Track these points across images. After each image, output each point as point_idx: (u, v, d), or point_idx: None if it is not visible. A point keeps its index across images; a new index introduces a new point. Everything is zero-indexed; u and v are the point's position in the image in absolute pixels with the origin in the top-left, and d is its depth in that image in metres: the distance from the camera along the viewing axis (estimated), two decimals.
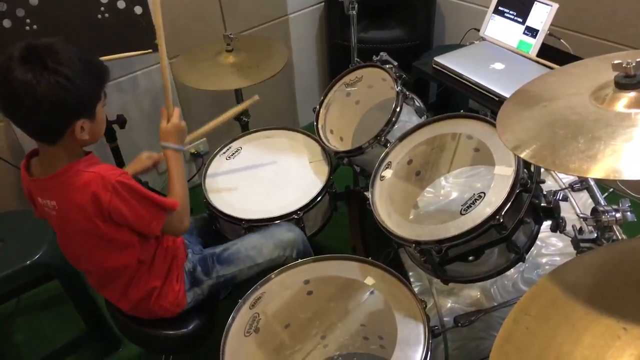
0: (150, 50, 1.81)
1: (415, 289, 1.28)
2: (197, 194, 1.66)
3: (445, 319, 1.28)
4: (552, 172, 1.46)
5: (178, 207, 1.27)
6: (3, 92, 1.06)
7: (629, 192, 1.89)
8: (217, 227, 1.63)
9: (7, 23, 1.61)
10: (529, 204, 1.08)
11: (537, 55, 1.84)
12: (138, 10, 1.75)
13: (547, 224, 1.15)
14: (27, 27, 1.64)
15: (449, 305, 1.31)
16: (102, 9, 1.71)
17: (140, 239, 1.26)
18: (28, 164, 1.23)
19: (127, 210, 1.16)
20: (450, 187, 1.39)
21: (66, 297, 1.74)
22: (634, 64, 0.79)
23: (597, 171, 0.73)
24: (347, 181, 2.05)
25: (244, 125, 2.15)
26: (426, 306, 1.17)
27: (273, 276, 1.32)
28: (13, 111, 1.08)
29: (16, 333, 1.99)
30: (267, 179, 1.66)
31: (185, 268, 1.42)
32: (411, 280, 1.34)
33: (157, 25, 1.41)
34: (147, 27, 1.77)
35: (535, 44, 1.85)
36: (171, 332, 1.39)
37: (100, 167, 1.16)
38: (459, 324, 1.21)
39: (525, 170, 1.07)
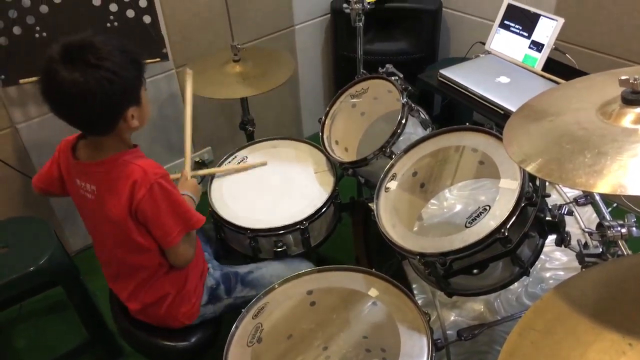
0: (158, 59, 1.83)
1: (419, 302, 1.28)
2: (202, 203, 1.67)
3: (448, 332, 1.28)
4: (557, 186, 1.46)
5: (201, 224, 1.28)
6: (53, 94, 1.08)
7: (633, 207, 1.88)
8: (222, 236, 1.64)
9: (17, 30, 1.63)
10: (534, 217, 1.08)
11: (543, 70, 1.85)
12: (147, 19, 1.77)
13: (551, 238, 1.15)
14: (37, 35, 1.66)
15: (452, 318, 1.30)
16: (112, 17, 1.73)
17: (158, 245, 1.27)
18: (75, 146, 1.26)
19: (152, 213, 1.18)
20: (454, 199, 1.39)
21: (69, 304, 1.74)
22: None
23: (603, 186, 0.74)
24: (351, 192, 2.05)
25: (249, 135, 2.16)
26: (430, 319, 1.17)
27: (276, 286, 1.31)
28: (65, 111, 1.11)
29: (18, 339, 1.98)
30: (272, 188, 1.67)
31: (207, 283, 1.42)
32: (415, 292, 1.33)
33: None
34: (156, 36, 1.79)
35: (540, 58, 1.86)
36: (172, 344, 1.39)
37: (145, 162, 1.19)
38: (463, 338, 1.20)
39: (530, 184, 1.07)
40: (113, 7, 1.72)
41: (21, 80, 1.69)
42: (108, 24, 1.73)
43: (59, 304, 2.06)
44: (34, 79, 1.70)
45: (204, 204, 1.65)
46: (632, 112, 0.81)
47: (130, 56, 1.13)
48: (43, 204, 2.10)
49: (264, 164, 1.72)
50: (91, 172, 1.21)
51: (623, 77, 0.82)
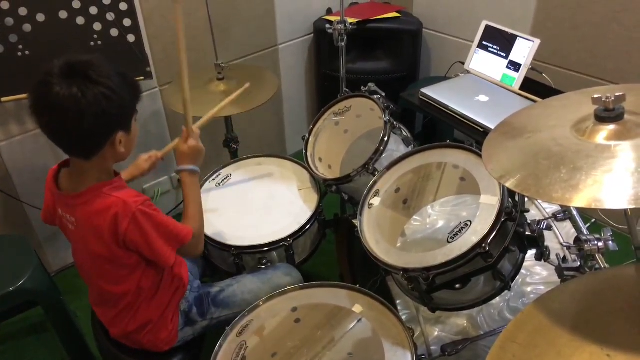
0: (142, 78, 1.83)
1: (403, 317, 1.29)
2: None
3: (432, 347, 1.28)
4: (536, 202, 1.49)
5: (192, 236, 1.27)
6: (44, 108, 1.07)
7: (610, 222, 1.92)
8: (206, 253, 1.63)
9: None
10: (514, 232, 1.10)
11: (520, 89, 1.90)
12: (131, 38, 1.78)
13: (531, 253, 1.17)
14: (20, 53, 1.65)
15: (436, 333, 1.31)
16: (95, 36, 1.74)
17: (147, 262, 1.26)
18: (57, 174, 1.24)
19: (142, 240, 1.17)
20: (436, 215, 1.41)
21: (49, 325, 1.71)
22: (613, 98, 0.83)
23: (579, 200, 0.76)
24: (335, 209, 2.07)
25: (233, 152, 2.17)
26: (414, 334, 1.17)
27: (261, 303, 1.31)
28: (55, 126, 1.09)
29: None
30: (256, 206, 1.67)
31: (180, 307, 1.40)
32: (399, 308, 1.34)
33: (179, 48, 1.38)
34: (140, 55, 1.80)
35: (518, 77, 1.90)
36: None
37: (124, 193, 1.17)
38: (446, 353, 1.21)
39: (510, 199, 1.09)
40: (97, 26, 1.72)
41: (3, 99, 1.68)
42: (92, 43, 1.74)
43: (39, 325, 2.02)
44: (17, 97, 1.68)
45: None
46: (605, 129, 0.84)
47: (127, 81, 1.14)
48: (23, 222, 2.07)
49: (247, 87, 1.66)
50: (71, 204, 1.19)
51: (596, 96, 0.85)
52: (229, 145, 2.15)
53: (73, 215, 1.20)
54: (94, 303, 1.38)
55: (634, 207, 0.73)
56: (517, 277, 1.21)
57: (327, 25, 1.92)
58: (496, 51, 1.97)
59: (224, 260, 1.58)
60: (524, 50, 1.88)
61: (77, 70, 1.05)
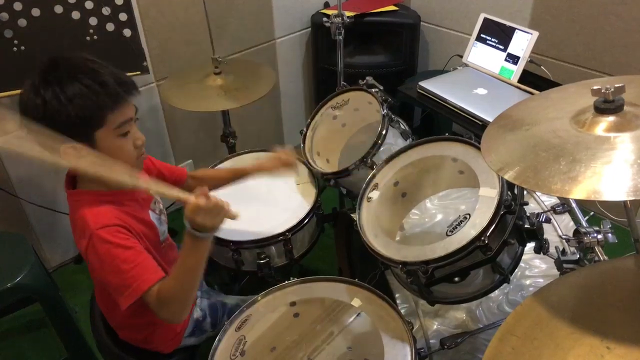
0: (138, 72, 1.82)
1: (402, 311, 1.28)
2: (183, 216, 1.65)
3: (431, 341, 1.28)
4: (535, 195, 1.49)
5: (148, 289, 1.06)
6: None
7: (609, 214, 1.92)
8: None
9: None
10: (513, 225, 1.10)
11: (518, 81, 1.89)
12: (127, 33, 1.77)
13: (530, 246, 1.17)
14: (15, 48, 1.64)
15: (435, 327, 1.31)
16: (91, 31, 1.72)
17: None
18: None
19: (97, 267, 1.08)
20: (435, 208, 1.41)
21: (47, 321, 1.71)
22: (612, 90, 0.82)
23: (578, 192, 0.75)
24: (334, 203, 2.06)
25: (230, 147, 2.16)
26: (413, 328, 1.17)
27: (259, 298, 1.31)
28: None
29: None
30: (254, 200, 1.66)
31: (193, 314, 1.38)
32: (398, 301, 1.34)
33: None
34: (136, 49, 1.79)
35: (516, 70, 1.90)
36: None
37: (93, 211, 1.08)
38: (445, 346, 1.21)
39: (509, 192, 1.09)
40: (93, 21, 1.71)
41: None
42: (87, 38, 1.72)
43: (37, 321, 2.01)
44: (12, 92, 1.67)
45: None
46: (605, 121, 0.84)
47: (90, 98, 1.03)
48: (20, 218, 2.06)
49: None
50: (68, 199, 1.16)
51: (595, 87, 0.84)
52: (226, 139, 2.14)
53: (68, 212, 1.18)
54: (97, 295, 1.36)
55: (633, 198, 0.73)
56: (516, 270, 1.21)
57: (325, 19, 1.92)
58: (494, 44, 1.97)
59: (222, 256, 1.57)
60: (522, 42, 1.88)
61: (40, 73, 1.03)
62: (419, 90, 1.96)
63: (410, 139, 1.59)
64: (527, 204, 1.18)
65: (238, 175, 1.51)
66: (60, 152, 1.03)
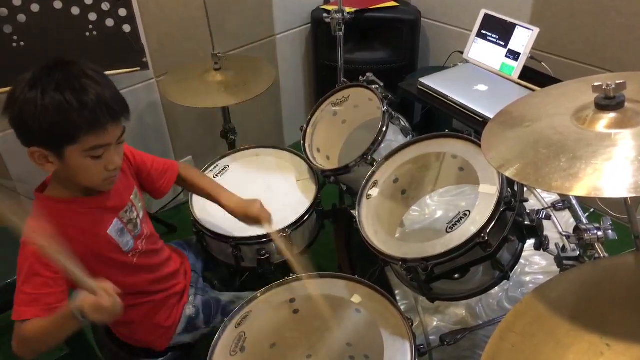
0: (138, 68, 1.82)
1: (402, 307, 1.29)
2: (184, 212, 1.66)
3: (431, 337, 1.28)
4: (535, 191, 1.48)
5: (24, 328, 1.05)
6: None
7: (609, 211, 1.92)
8: (205, 245, 1.63)
9: None
10: (513, 222, 1.10)
11: (519, 78, 1.89)
12: (127, 28, 1.76)
13: (530, 242, 1.17)
14: (14, 44, 1.64)
15: (434, 323, 1.31)
16: (91, 26, 1.72)
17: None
18: None
19: (17, 268, 1.09)
20: (435, 205, 1.41)
21: None
22: (613, 86, 0.82)
23: (579, 189, 0.75)
24: (333, 199, 2.06)
25: (230, 144, 2.16)
26: (412, 324, 1.17)
27: (259, 295, 1.31)
28: None
29: None
30: (254, 197, 1.66)
31: (186, 312, 1.38)
32: (397, 298, 1.34)
33: None
34: (136, 45, 1.78)
35: (517, 66, 1.89)
36: None
37: (36, 220, 1.05)
38: (445, 343, 1.21)
39: (508, 189, 1.09)
40: (92, 16, 1.71)
41: None
42: (87, 33, 1.72)
43: None
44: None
45: (186, 213, 1.64)
46: (606, 117, 0.83)
47: (72, 113, 1.00)
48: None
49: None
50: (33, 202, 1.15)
51: (596, 84, 0.84)
52: (226, 136, 2.14)
53: None
54: None
55: (633, 195, 0.72)
56: (516, 266, 1.21)
57: (325, 15, 1.91)
58: (495, 40, 1.96)
59: (223, 252, 1.57)
60: (523, 39, 1.87)
61: (35, 71, 1.03)
62: (419, 86, 1.96)
63: (411, 135, 1.59)
64: (527, 200, 1.17)
65: (211, 199, 1.48)
66: (28, 153, 1.03)
